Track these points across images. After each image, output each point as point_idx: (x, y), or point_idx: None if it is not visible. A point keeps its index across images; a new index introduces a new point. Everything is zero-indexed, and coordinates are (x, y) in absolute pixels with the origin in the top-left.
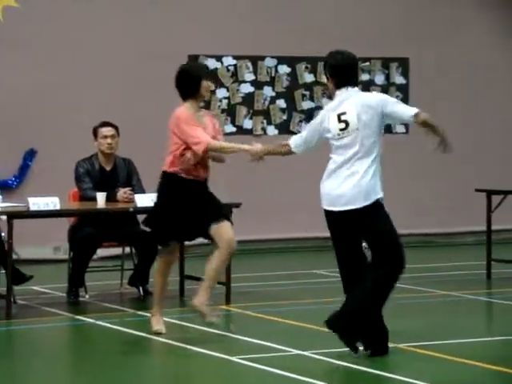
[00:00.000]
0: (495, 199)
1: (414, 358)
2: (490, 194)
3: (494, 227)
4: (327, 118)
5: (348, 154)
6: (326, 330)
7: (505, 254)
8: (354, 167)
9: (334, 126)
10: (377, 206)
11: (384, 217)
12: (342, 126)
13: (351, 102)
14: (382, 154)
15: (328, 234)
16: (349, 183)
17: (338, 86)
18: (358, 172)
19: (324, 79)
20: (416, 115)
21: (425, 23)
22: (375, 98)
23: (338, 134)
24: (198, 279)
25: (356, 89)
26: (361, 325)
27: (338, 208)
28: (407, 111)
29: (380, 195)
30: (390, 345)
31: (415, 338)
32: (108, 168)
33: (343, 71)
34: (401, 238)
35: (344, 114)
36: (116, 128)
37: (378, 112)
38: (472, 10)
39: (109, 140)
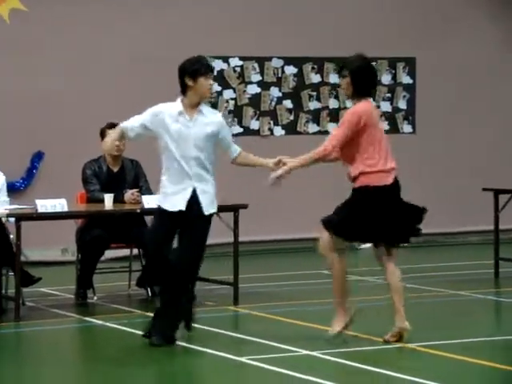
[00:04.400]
0: (502, 198)
1: (422, 357)
2: (497, 193)
3: (501, 226)
4: None
5: None
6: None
7: None
8: None
9: None
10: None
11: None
12: None
13: None
14: None
15: None
16: None
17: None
18: None
19: (332, 79)
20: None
21: (431, 22)
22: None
23: None
24: (205, 280)
25: None
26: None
27: None
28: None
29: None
30: (399, 345)
31: (424, 338)
32: (115, 169)
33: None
34: None
35: None
36: None
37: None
38: (480, 8)
39: (116, 142)
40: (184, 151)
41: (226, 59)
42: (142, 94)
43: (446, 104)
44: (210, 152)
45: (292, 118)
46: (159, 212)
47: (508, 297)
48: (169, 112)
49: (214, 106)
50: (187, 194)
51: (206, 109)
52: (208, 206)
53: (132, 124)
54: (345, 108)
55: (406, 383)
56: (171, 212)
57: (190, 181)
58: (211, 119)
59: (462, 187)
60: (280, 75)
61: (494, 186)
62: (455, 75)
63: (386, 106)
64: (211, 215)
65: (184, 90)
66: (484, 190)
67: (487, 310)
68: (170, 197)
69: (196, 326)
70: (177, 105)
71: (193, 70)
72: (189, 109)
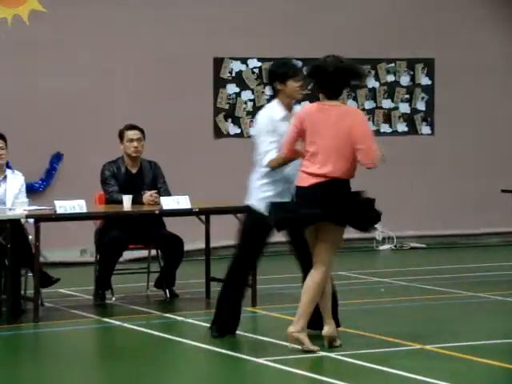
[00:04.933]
0: None
1: (440, 359)
2: None
3: None
4: None
5: None
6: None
7: None
8: None
9: None
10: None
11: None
12: None
13: None
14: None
15: (350, 236)
16: None
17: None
18: None
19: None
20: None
21: (450, 23)
22: None
23: None
24: (223, 281)
25: None
26: None
27: None
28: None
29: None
30: (416, 346)
31: (442, 340)
32: (134, 171)
33: None
34: (423, 239)
35: None
36: (142, 131)
37: None
38: (498, 9)
39: (135, 143)
40: None
41: (244, 60)
42: (161, 94)
43: (464, 105)
44: None
45: None
46: (261, 217)
47: None
48: (275, 117)
49: (233, 106)
50: (290, 196)
51: (298, 109)
52: None
53: (274, 152)
54: (363, 109)
55: None
56: None
57: (290, 184)
58: None
59: (481, 188)
60: None
61: None
62: (474, 76)
63: (405, 108)
64: None
65: (275, 93)
66: (503, 191)
67: (506, 311)
68: (274, 199)
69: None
70: (278, 109)
71: (281, 74)
72: (287, 112)
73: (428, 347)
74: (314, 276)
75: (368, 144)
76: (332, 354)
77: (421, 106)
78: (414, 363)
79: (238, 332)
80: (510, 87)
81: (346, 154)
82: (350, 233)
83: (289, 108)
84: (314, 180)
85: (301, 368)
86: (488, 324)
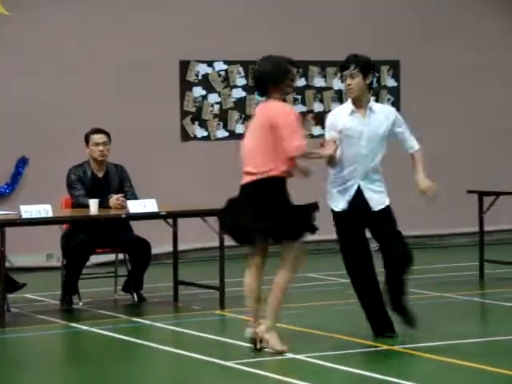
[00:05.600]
0: (487, 200)
1: (408, 359)
2: (481, 195)
3: (485, 228)
4: None
5: None
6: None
7: (497, 255)
8: None
9: None
10: None
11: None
12: None
13: None
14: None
15: (322, 238)
16: None
17: None
18: None
19: (316, 83)
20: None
21: (416, 25)
22: None
23: None
24: (192, 284)
25: None
26: None
27: None
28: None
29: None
30: (384, 347)
31: (409, 340)
32: (100, 175)
33: None
34: None
35: None
36: (108, 135)
37: None
38: (464, 12)
39: (100, 147)
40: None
41: (210, 63)
42: (128, 98)
43: (430, 106)
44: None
45: None
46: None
47: (492, 298)
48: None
49: (200, 109)
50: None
51: (373, 105)
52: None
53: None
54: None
55: None
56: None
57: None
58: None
59: (448, 189)
60: None
61: (479, 188)
62: (439, 77)
63: None
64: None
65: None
66: (469, 192)
67: (472, 311)
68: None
69: (182, 330)
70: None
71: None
72: (358, 107)
73: (396, 348)
74: (285, 276)
75: (291, 131)
76: (299, 356)
77: None
78: (382, 364)
79: (205, 335)
80: (477, 88)
81: (271, 149)
82: (322, 234)
83: (361, 105)
84: (249, 178)
85: (268, 370)
86: (455, 324)
